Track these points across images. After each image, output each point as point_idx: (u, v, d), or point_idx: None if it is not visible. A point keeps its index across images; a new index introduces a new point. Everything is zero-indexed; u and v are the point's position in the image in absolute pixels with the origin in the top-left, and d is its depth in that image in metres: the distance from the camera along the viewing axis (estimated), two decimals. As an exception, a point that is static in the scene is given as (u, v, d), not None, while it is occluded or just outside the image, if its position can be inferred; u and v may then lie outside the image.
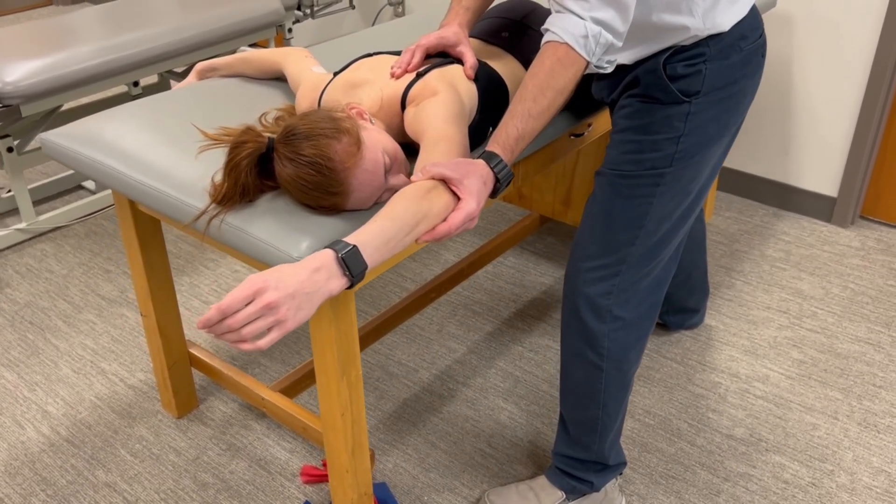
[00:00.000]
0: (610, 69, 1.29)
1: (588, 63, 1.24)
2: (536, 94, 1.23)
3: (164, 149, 1.51)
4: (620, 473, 1.70)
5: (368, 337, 2.10)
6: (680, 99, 1.32)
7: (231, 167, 1.27)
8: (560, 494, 1.67)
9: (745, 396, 2.02)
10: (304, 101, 1.53)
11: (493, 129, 1.32)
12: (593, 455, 1.61)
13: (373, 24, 3.68)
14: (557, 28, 1.23)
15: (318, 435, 1.63)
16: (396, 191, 1.35)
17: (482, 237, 2.68)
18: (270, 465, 1.84)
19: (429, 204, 1.17)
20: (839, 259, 2.53)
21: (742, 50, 1.35)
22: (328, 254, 1.09)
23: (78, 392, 2.07)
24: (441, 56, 1.50)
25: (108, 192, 2.91)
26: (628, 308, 1.47)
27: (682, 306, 2.13)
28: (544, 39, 1.25)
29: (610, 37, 1.22)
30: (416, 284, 2.45)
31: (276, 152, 1.27)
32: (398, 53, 1.55)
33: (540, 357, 2.16)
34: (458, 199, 1.20)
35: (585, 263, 1.46)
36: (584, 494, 1.67)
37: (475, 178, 1.20)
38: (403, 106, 1.40)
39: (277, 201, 1.34)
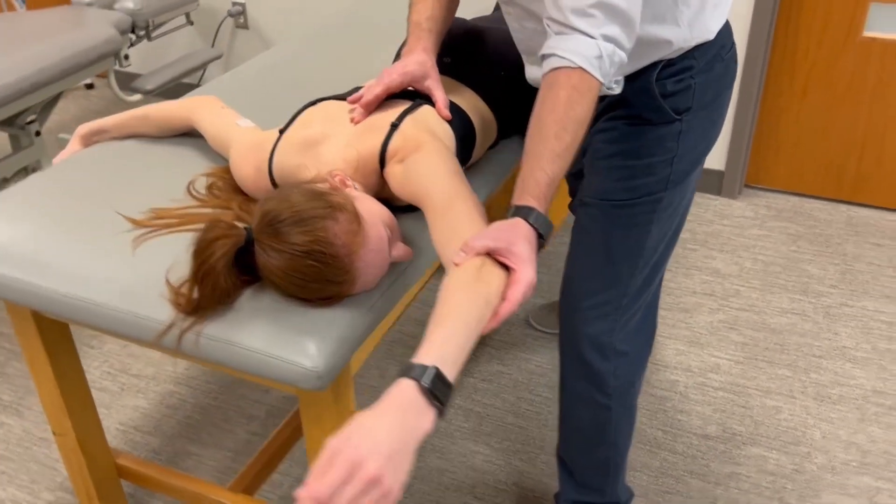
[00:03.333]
0: (618, 90, 1.16)
1: (601, 85, 1.10)
2: (558, 130, 1.04)
3: (81, 247, 1.23)
4: (629, 505, 1.64)
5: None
6: (672, 118, 1.24)
7: (205, 272, 1.04)
8: (576, 542, 1.58)
9: (704, 390, 2.01)
10: (246, 166, 1.29)
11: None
12: (607, 497, 1.53)
13: (214, 40, 3.35)
14: (566, 52, 1.04)
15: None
16: (398, 263, 1.18)
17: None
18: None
19: (486, 287, 0.96)
20: (740, 231, 2.61)
21: (723, 59, 1.28)
22: (409, 386, 0.84)
23: (-26, 534, 1.71)
24: (406, 93, 1.32)
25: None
26: (631, 341, 1.39)
27: None
28: (551, 65, 1.06)
29: (623, 54, 1.07)
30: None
31: (259, 244, 1.06)
32: (343, 98, 1.34)
33: (495, 386, 2.05)
34: (509, 269, 1.00)
35: (585, 302, 1.36)
36: (599, 534, 1.59)
37: (523, 243, 0.99)
38: (382, 163, 1.21)
39: (260, 298, 1.12)
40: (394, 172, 1.19)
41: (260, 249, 1.05)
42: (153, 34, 3.02)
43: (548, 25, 1.08)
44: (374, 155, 1.21)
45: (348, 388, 1.21)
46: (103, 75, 3.08)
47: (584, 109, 1.04)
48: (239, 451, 1.89)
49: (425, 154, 1.16)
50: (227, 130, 1.37)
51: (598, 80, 1.05)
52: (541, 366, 2.10)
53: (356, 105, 1.27)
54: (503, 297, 0.98)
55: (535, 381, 2.06)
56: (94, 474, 1.60)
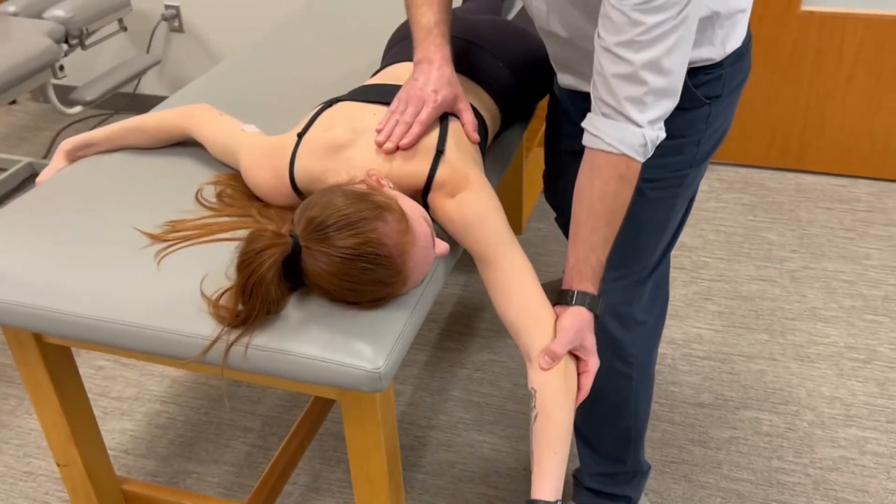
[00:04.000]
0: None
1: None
2: (609, 219, 1.14)
3: (98, 267, 1.18)
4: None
5: (324, 408, 1.85)
6: (702, 102, 1.27)
7: (255, 282, 1.01)
8: (599, 519, 1.61)
9: (691, 361, 2.08)
10: (262, 172, 1.26)
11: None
12: (629, 466, 1.56)
13: (149, 45, 3.23)
14: (614, 139, 1.10)
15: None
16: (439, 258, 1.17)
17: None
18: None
19: (573, 392, 1.14)
20: (699, 205, 2.69)
21: (749, 49, 1.33)
22: None
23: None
24: None
25: None
26: (648, 310, 1.44)
27: None
28: (596, 146, 1.11)
29: (663, 133, 1.13)
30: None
31: (308, 251, 1.03)
32: (360, 99, 1.29)
33: (490, 375, 2.06)
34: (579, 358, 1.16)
35: (610, 273, 1.39)
36: (622, 511, 1.62)
37: (590, 335, 1.15)
38: (427, 188, 1.20)
39: (305, 305, 1.10)
40: (444, 207, 1.19)
41: (309, 256, 1.03)
42: (87, 42, 2.90)
43: (596, 104, 1.12)
44: (419, 179, 1.19)
45: (390, 390, 1.19)
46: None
47: (629, 195, 1.14)
48: (241, 465, 1.85)
49: (476, 196, 1.18)
50: (233, 137, 1.33)
51: (641, 163, 1.13)
52: (531, 351, 2.12)
53: (392, 142, 1.19)
54: (578, 386, 1.15)
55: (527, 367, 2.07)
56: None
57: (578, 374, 1.15)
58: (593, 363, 1.15)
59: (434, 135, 1.22)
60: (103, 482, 1.52)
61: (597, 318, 1.17)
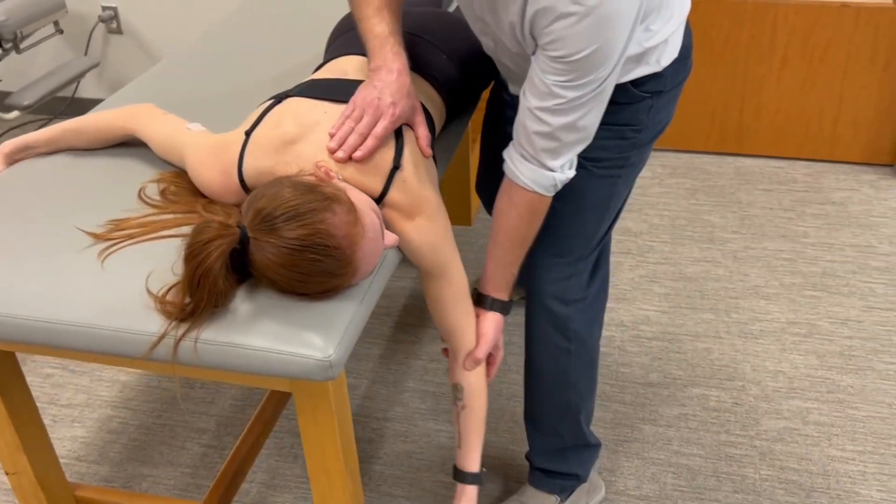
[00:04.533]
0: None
1: None
2: (522, 242, 1.33)
3: (40, 269, 1.16)
4: (597, 457, 1.71)
5: (278, 405, 1.85)
6: (643, 97, 1.31)
7: (202, 274, 1.01)
8: (554, 499, 1.64)
9: (640, 342, 2.12)
10: (209, 170, 1.24)
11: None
12: (571, 440, 1.59)
13: (87, 48, 3.17)
14: (529, 180, 1.25)
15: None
16: (388, 249, 1.18)
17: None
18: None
19: (485, 380, 1.42)
20: (643, 191, 2.75)
21: (689, 52, 1.36)
22: (473, 490, 1.46)
23: None
24: None
25: None
26: (589, 287, 1.47)
27: None
28: (513, 178, 1.27)
29: (573, 172, 1.27)
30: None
31: (256, 242, 1.03)
32: (309, 95, 1.28)
33: (444, 364, 2.07)
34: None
35: (552, 250, 1.42)
36: (574, 490, 1.65)
37: (501, 336, 1.42)
38: (379, 199, 1.21)
39: (255, 297, 1.10)
40: (401, 227, 1.22)
41: (256, 247, 1.03)
42: (21, 46, 2.84)
43: (515, 146, 1.25)
44: (373, 192, 1.19)
45: (342, 380, 1.20)
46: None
47: (539, 224, 1.32)
48: (196, 466, 1.83)
49: (433, 223, 1.24)
50: (178, 136, 1.32)
51: (551, 196, 1.28)
52: (484, 339, 2.15)
53: (345, 153, 1.17)
54: (487, 375, 1.43)
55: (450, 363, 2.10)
56: (54, 511, 1.51)
57: (488, 365, 1.42)
58: (500, 356, 1.44)
59: (390, 149, 1.21)
60: (54, 489, 1.50)
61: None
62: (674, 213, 2.63)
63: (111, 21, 3.11)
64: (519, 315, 2.20)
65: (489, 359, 1.41)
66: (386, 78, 1.21)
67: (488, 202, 1.87)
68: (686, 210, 2.64)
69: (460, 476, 1.45)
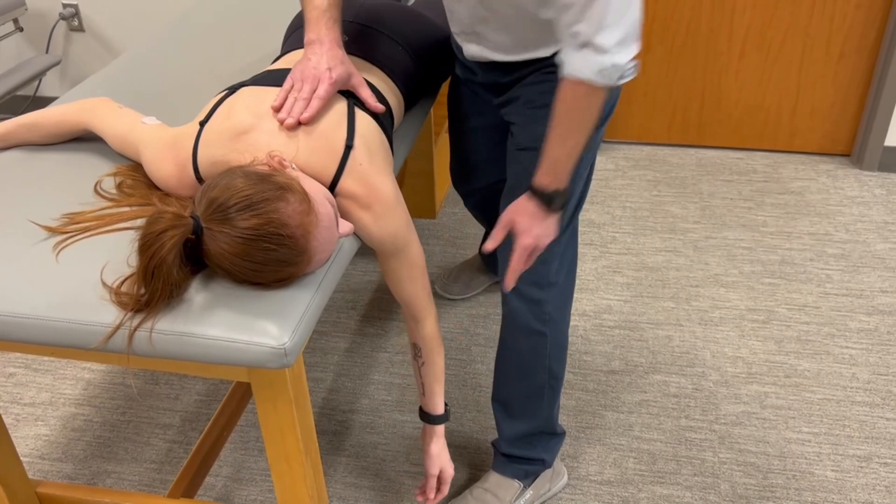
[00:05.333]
0: (633, 75, 1.24)
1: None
2: (581, 128, 1.23)
3: (0, 263, 1.16)
4: (562, 443, 1.73)
5: (242, 398, 1.85)
6: None
7: (156, 265, 1.01)
8: (517, 485, 1.66)
9: (602, 331, 2.15)
10: (165, 164, 1.25)
11: None
12: (542, 424, 1.61)
13: (48, 45, 3.14)
14: (587, 70, 1.15)
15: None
16: (343, 238, 1.20)
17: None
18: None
19: (440, 333, 1.52)
20: (605, 183, 2.78)
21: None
22: (442, 428, 1.53)
23: None
24: None
25: None
26: (561, 270, 1.50)
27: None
28: (568, 77, 1.17)
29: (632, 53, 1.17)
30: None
31: (209, 232, 1.04)
32: (262, 83, 1.29)
33: (409, 357, 2.09)
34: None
35: None
36: (538, 476, 1.68)
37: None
38: (333, 184, 1.22)
39: (210, 287, 1.11)
40: (358, 217, 1.23)
41: (210, 237, 1.04)
42: (-20, 44, 2.80)
43: (573, 36, 1.15)
44: (327, 175, 1.20)
45: (301, 368, 1.21)
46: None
47: (595, 114, 1.22)
48: (161, 462, 1.83)
49: (391, 213, 1.24)
50: (133, 130, 1.32)
51: (604, 87, 1.18)
52: (449, 331, 2.16)
53: (291, 117, 1.20)
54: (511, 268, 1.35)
55: (446, 346, 2.12)
56: (16, 508, 1.51)
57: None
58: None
59: (342, 128, 1.23)
60: (15, 486, 1.49)
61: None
62: (636, 204, 2.66)
63: (72, 18, 3.09)
64: (483, 307, 2.24)
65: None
66: (319, 50, 1.27)
67: (467, 193, 1.89)
68: (648, 201, 2.68)
69: (429, 418, 1.51)
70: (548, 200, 1.27)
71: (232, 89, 1.28)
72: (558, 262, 1.49)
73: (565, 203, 1.30)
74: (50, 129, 1.41)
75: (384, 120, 1.34)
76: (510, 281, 1.32)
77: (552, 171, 1.25)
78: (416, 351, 1.46)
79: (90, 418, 1.95)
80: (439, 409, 1.52)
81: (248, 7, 2.08)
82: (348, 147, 1.21)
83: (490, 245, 1.30)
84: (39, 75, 2.94)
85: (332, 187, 1.21)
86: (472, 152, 1.76)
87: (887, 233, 2.49)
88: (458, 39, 1.45)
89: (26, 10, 2.89)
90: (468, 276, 2.28)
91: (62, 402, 2.00)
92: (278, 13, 2.01)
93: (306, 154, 1.20)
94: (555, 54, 1.35)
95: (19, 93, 3.20)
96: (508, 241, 1.46)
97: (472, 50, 1.43)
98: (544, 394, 1.58)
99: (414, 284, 1.36)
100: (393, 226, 1.26)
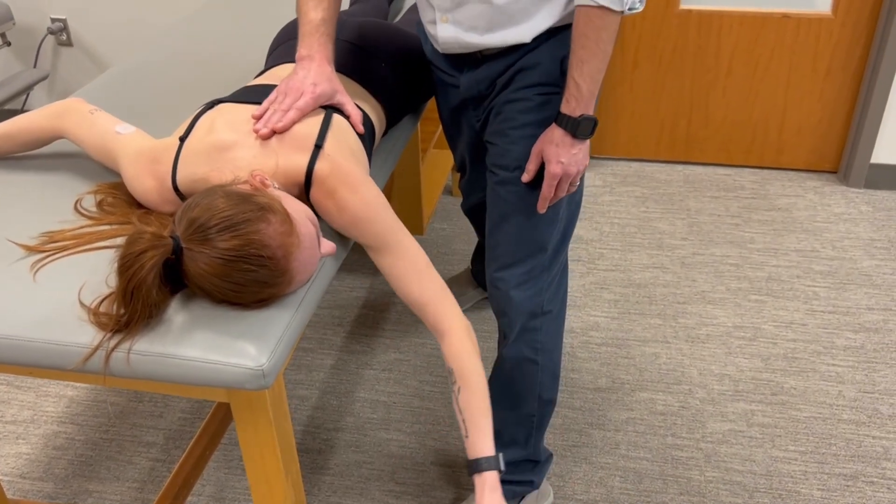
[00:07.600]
0: (641, 7, 1.28)
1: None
2: (596, 52, 1.24)
3: (-24, 281, 1.15)
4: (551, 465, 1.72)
5: (225, 417, 1.84)
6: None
7: (135, 286, 1.00)
8: None
9: (589, 348, 2.15)
10: (146, 179, 1.24)
11: None
12: (529, 452, 1.60)
13: (35, 60, 3.14)
14: None
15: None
16: (324, 258, 1.19)
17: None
18: None
19: (476, 344, 1.25)
20: (594, 199, 2.78)
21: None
22: (493, 475, 1.19)
23: None
24: None
25: None
26: (555, 300, 1.49)
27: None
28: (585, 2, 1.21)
29: None
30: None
31: (189, 252, 1.03)
32: (241, 101, 1.30)
33: (396, 374, 2.08)
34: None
35: (514, 270, 1.44)
36: (525, 496, 1.67)
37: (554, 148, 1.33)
38: (307, 183, 1.21)
39: (190, 308, 1.10)
40: (327, 205, 1.20)
41: (190, 257, 1.03)
42: (-33, 58, 2.79)
43: None
44: (299, 174, 1.20)
45: (281, 389, 1.20)
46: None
47: (612, 37, 1.25)
48: (144, 480, 1.81)
49: (360, 193, 1.19)
50: (109, 141, 1.30)
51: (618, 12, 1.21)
52: (436, 348, 2.15)
53: (266, 126, 1.21)
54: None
55: (433, 363, 2.11)
56: (-6, 529, 1.49)
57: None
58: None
59: (314, 130, 1.24)
60: (-6, 506, 1.48)
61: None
62: (624, 220, 2.67)
63: (60, 33, 3.08)
64: (473, 322, 2.22)
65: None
66: (308, 66, 1.29)
67: (471, 184, 1.87)
68: (636, 217, 2.68)
69: (476, 465, 1.19)
70: (573, 126, 1.28)
71: (211, 104, 1.27)
72: (554, 288, 1.48)
73: (592, 130, 1.29)
74: (23, 138, 1.39)
75: (364, 138, 1.33)
76: (541, 207, 1.35)
77: (575, 96, 1.26)
78: (451, 376, 1.23)
79: (72, 436, 1.93)
80: (488, 450, 1.18)
81: (235, 21, 2.08)
82: (318, 146, 1.21)
83: (525, 177, 1.36)
84: (27, 89, 2.94)
85: (308, 185, 1.20)
86: (459, 135, 1.73)
87: (874, 250, 2.50)
88: (431, 29, 1.41)
89: (14, 24, 2.89)
90: (458, 292, 2.27)
91: (44, 420, 1.98)
92: (264, 27, 2.01)
93: (284, 161, 1.20)
94: (530, 49, 1.35)
95: (7, 107, 3.19)
96: (497, 234, 1.45)
97: (447, 33, 1.37)
98: (534, 422, 1.57)
99: (420, 282, 1.21)
100: (360, 202, 1.19)
